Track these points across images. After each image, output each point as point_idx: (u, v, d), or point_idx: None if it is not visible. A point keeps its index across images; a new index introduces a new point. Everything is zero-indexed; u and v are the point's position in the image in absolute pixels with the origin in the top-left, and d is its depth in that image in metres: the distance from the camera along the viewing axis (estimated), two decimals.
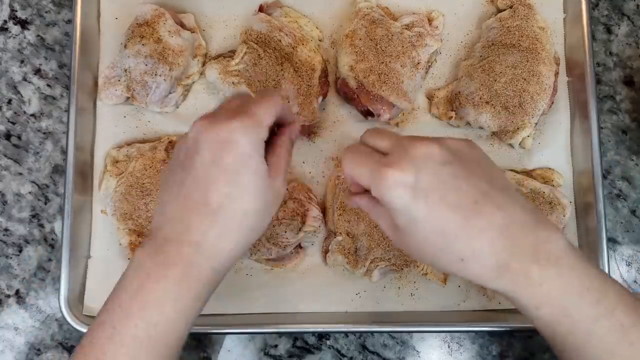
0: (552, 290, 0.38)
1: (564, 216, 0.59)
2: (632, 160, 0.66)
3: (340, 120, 0.64)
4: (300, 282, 0.61)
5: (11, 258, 0.64)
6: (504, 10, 0.63)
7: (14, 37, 0.67)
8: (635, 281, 0.64)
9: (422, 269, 0.60)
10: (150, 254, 0.41)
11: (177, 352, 0.41)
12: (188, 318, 0.41)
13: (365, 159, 0.41)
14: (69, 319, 0.57)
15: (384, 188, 0.38)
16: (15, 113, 0.66)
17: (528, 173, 0.62)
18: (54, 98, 0.66)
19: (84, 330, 0.57)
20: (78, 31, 0.61)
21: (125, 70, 0.60)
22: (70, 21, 0.66)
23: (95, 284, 0.60)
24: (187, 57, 0.61)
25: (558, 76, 0.62)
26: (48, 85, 0.66)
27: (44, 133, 0.65)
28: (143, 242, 0.42)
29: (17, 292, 0.63)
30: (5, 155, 0.65)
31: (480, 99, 0.59)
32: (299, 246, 0.61)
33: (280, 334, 0.63)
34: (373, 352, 0.63)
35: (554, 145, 0.63)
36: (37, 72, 0.66)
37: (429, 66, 0.64)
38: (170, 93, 0.62)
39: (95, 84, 0.63)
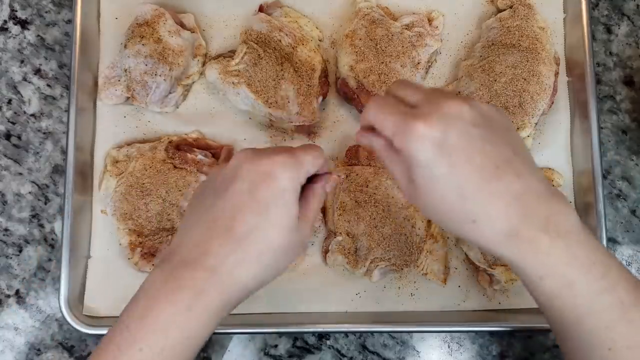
0: (558, 262, 0.38)
1: None
2: (632, 160, 0.66)
3: (340, 120, 0.64)
4: (300, 282, 0.61)
5: (11, 258, 0.64)
6: (504, 10, 0.63)
7: (14, 37, 0.67)
8: None
9: (422, 269, 0.60)
10: (163, 276, 0.40)
11: None
12: (194, 345, 0.40)
13: (392, 109, 0.40)
14: (69, 319, 0.57)
15: (409, 140, 0.38)
16: (15, 113, 0.66)
17: None
18: (54, 98, 0.66)
19: (84, 330, 0.57)
20: (78, 31, 0.61)
21: (125, 70, 0.60)
22: (70, 21, 0.66)
23: (95, 284, 0.60)
24: (187, 57, 0.61)
25: (558, 76, 0.62)
26: (48, 85, 0.66)
27: (44, 133, 0.65)
28: (159, 261, 0.42)
29: (17, 292, 0.63)
30: (5, 155, 0.65)
31: (480, 99, 0.59)
32: None
33: (280, 334, 0.63)
34: (373, 352, 0.63)
35: (554, 145, 0.63)
36: (37, 72, 0.66)
37: (429, 66, 0.64)
38: (170, 93, 0.62)
39: (95, 84, 0.63)
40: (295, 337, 0.63)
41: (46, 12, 0.67)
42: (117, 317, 0.41)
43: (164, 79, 0.60)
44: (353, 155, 0.61)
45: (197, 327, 0.40)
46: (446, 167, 0.37)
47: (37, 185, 0.65)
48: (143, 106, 0.62)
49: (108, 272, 0.60)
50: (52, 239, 0.64)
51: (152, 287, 0.40)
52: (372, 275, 0.58)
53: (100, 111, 0.63)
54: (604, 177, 0.63)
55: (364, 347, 0.63)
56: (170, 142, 0.61)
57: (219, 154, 0.62)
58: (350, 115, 0.64)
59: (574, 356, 0.41)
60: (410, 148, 0.38)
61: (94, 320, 0.59)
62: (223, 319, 0.41)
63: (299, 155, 0.42)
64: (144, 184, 0.59)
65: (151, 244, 0.59)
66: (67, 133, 0.60)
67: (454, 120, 0.38)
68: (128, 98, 0.62)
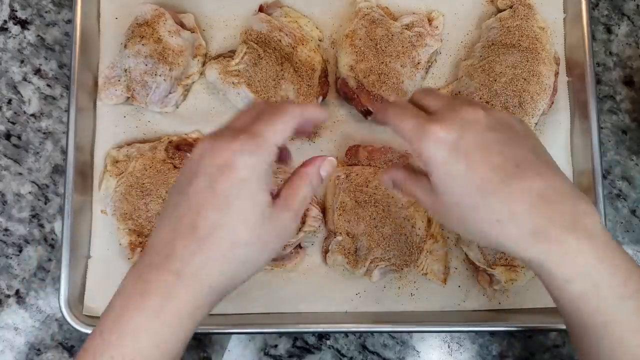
0: (586, 264, 0.37)
1: None
2: (632, 160, 0.66)
3: (340, 120, 0.64)
4: (300, 282, 0.61)
5: (11, 258, 0.64)
6: (504, 10, 0.63)
7: (14, 37, 0.67)
8: None
9: (422, 269, 0.60)
10: (133, 279, 0.39)
11: None
12: (170, 351, 0.38)
13: (411, 115, 0.41)
14: (69, 319, 0.57)
15: (426, 142, 0.38)
16: (15, 113, 0.66)
17: None
18: (54, 98, 0.66)
19: (84, 330, 0.57)
20: (78, 31, 0.61)
21: (125, 70, 0.60)
22: (70, 21, 0.66)
23: (95, 284, 0.60)
24: (187, 57, 0.61)
25: (558, 76, 0.62)
26: (48, 85, 0.66)
27: (44, 133, 0.65)
28: (133, 265, 0.40)
29: (17, 292, 0.63)
30: (5, 155, 0.65)
31: (480, 99, 0.59)
32: (299, 246, 0.61)
33: (280, 334, 0.63)
34: (373, 352, 0.63)
35: (554, 145, 0.63)
36: (37, 72, 0.66)
37: (429, 66, 0.64)
38: (170, 93, 0.62)
39: (95, 84, 0.63)
40: (295, 337, 0.63)
41: (46, 12, 0.67)
42: None
43: (164, 79, 0.60)
44: (353, 155, 0.61)
45: (168, 333, 0.38)
46: (464, 165, 0.38)
47: (37, 185, 0.65)
48: (143, 106, 0.62)
49: (108, 272, 0.60)
50: (52, 239, 0.64)
51: (123, 291, 0.39)
52: (372, 275, 0.58)
53: (100, 111, 0.63)
54: (604, 177, 0.63)
55: (364, 347, 0.63)
56: (170, 142, 0.61)
57: None
58: (350, 115, 0.64)
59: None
60: (427, 149, 0.39)
61: (94, 320, 0.59)
62: (200, 321, 0.39)
63: (260, 132, 0.39)
64: (144, 184, 0.59)
65: None
66: (67, 133, 0.60)
67: (469, 124, 0.39)
68: (128, 98, 0.62)
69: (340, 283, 0.61)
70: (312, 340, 0.63)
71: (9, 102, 0.66)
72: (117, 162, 0.61)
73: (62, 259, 0.58)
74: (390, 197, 0.59)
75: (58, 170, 0.65)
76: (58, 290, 0.58)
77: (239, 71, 0.60)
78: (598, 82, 0.66)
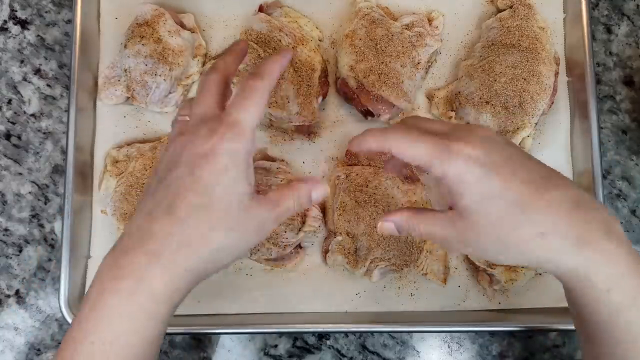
0: (624, 272, 0.36)
1: None
2: (632, 160, 0.66)
3: (340, 120, 0.64)
4: (300, 282, 0.61)
5: (11, 258, 0.64)
6: (504, 10, 0.63)
7: (14, 37, 0.67)
8: None
9: (422, 269, 0.60)
10: (108, 265, 0.38)
11: None
12: (146, 338, 0.37)
13: (424, 136, 0.38)
14: (69, 319, 0.57)
15: (453, 162, 0.37)
16: (15, 113, 0.66)
17: None
18: (54, 98, 0.66)
19: None
20: (78, 31, 0.61)
21: (125, 70, 0.60)
22: (70, 21, 0.66)
23: None
24: (187, 57, 0.61)
25: (558, 76, 0.62)
26: (48, 85, 0.66)
27: (44, 133, 0.65)
28: (109, 251, 0.40)
29: (17, 292, 0.63)
30: (5, 155, 0.65)
31: (480, 99, 0.59)
32: (299, 246, 0.61)
33: (280, 334, 0.63)
34: (373, 352, 0.63)
35: (554, 145, 0.63)
36: (37, 72, 0.66)
37: (429, 66, 0.64)
38: (170, 93, 0.62)
39: (95, 84, 0.63)
40: (295, 337, 0.63)
41: (46, 12, 0.67)
42: None
43: (164, 79, 0.60)
44: (353, 155, 0.61)
45: (144, 317, 0.37)
46: (498, 183, 0.36)
47: (37, 185, 0.65)
48: (143, 106, 0.62)
49: None
50: (52, 239, 0.64)
51: (99, 278, 0.38)
52: (372, 275, 0.58)
53: (100, 111, 0.63)
54: (604, 177, 0.63)
55: (364, 347, 0.63)
56: None
57: None
58: (350, 115, 0.64)
59: None
60: (456, 169, 0.37)
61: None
62: (178, 304, 0.39)
63: (237, 121, 0.39)
64: (144, 184, 0.59)
65: None
66: (67, 133, 0.60)
67: (489, 140, 0.38)
68: (128, 98, 0.62)
69: (340, 283, 0.61)
70: (312, 340, 0.63)
71: (9, 102, 0.66)
72: (117, 162, 0.61)
73: (62, 259, 0.58)
74: (390, 197, 0.59)
75: (58, 170, 0.65)
76: (58, 290, 0.58)
77: (239, 71, 0.60)
78: (598, 82, 0.66)
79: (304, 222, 0.59)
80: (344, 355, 0.63)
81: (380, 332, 0.62)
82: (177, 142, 0.40)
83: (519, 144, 0.61)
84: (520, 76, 0.59)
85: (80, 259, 0.60)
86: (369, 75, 0.59)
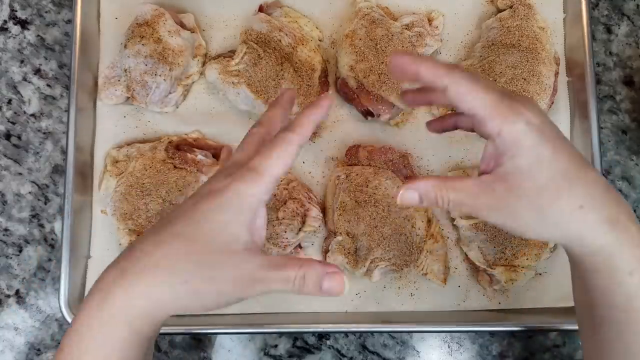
0: None
1: None
2: (632, 160, 0.66)
3: (340, 120, 0.64)
4: None
5: (11, 258, 0.64)
6: (504, 10, 0.63)
7: (14, 37, 0.67)
8: None
9: (422, 269, 0.60)
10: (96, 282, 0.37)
11: None
12: (107, 356, 0.35)
13: (488, 88, 0.38)
14: (69, 319, 0.57)
15: (515, 122, 0.37)
16: (15, 113, 0.66)
17: None
18: (54, 98, 0.66)
19: None
20: (78, 31, 0.61)
21: (125, 70, 0.60)
22: (70, 21, 0.66)
23: None
24: (187, 57, 0.61)
25: (558, 76, 0.62)
26: (48, 85, 0.66)
27: (44, 133, 0.65)
28: None
29: (17, 292, 0.63)
30: (5, 155, 0.65)
31: None
32: (299, 246, 0.61)
33: (280, 334, 0.63)
34: (373, 352, 0.63)
35: None
36: (37, 72, 0.66)
37: None
38: (170, 93, 0.62)
39: (95, 84, 0.63)
40: (295, 337, 0.63)
41: (46, 12, 0.67)
42: None
43: (164, 79, 0.60)
44: (353, 155, 0.61)
45: (105, 335, 0.35)
46: (551, 149, 0.37)
47: (37, 185, 0.65)
48: (143, 106, 0.62)
49: None
50: (52, 239, 0.64)
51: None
52: (372, 275, 0.58)
53: (100, 111, 0.63)
54: (604, 177, 0.63)
55: (364, 347, 0.63)
56: (170, 142, 0.61)
57: (219, 154, 0.62)
58: (350, 115, 0.64)
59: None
60: (516, 131, 0.37)
61: None
62: (142, 332, 0.35)
63: (257, 166, 0.37)
64: (144, 184, 0.59)
65: None
66: (67, 133, 0.60)
67: (544, 114, 0.39)
68: (128, 98, 0.62)
69: None
70: (312, 340, 0.63)
71: (9, 102, 0.66)
72: (117, 162, 0.61)
73: (62, 259, 0.58)
74: (390, 197, 0.59)
75: (58, 170, 0.65)
76: (58, 290, 0.58)
77: (239, 71, 0.60)
78: (598, 82, 0.66)
79: (304, 222, 0.59)
80: (344, 355, 0.63)
81: (380, 332, 0.62)
82: (206, 181, 0.40)
83: None
84: (520, 76, 0.59)
85: (80, 259, 0.60)
86: (369, 75, 0.59)
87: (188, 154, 0.60)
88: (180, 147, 0.61)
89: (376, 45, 0.60)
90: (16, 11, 0.67)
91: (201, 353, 0.63)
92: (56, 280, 0.63)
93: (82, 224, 0.61)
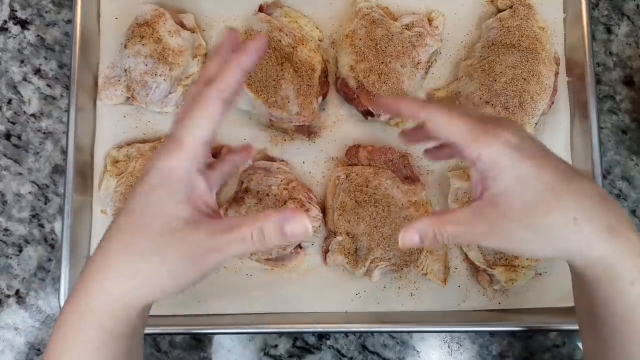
0: None
1: None
2: (632, 160, 0.66)
3: (340, 120, 0.64)
4: (300, 282, 0.61)
5: (11, 258, 0.64)
6: (504, 10, 0.63)
7: (14, 37, 0.67)
8: None
9: (422, 269, 0.60)
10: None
11: None
12: (77, 348, 0.36)
13: (464, 116, 0.39)
14: None
15: (492, 144, 0.37)
16: (15, 113, 0.66)
17: None
18: (54, 98, 0.66)
19: None
20: (78, 31, 0.61)
21: (125, 70, 0.60)
22: (70, 21, 0.66)
23: None
24: (187, 57, 0.61)
25: (558, 76, 0.62)
26: (48, 85, 0.66)
27: (44, 133, 0.65)
28: None
29: (17, 292, 0.63)
30: (5, 155, 0.65)
31: (480, 99, 0.59)
32: (299, 246, 0.61)
33: (280, 334, 0.63)
34: (373, 352, 0.63)
35: (554, 145, 0.63)
36: (37, 72, 0.66)
37: (429, 66, 0.64)
38: (170, 93, 0.62)
39: (95, 84, 0.63)
40: (295, 337, 0.63)
41: (46, 12, 0.67)
42: None
43: (164, 79, 0.60)
44: (353, 155, 0.61)
45: (77, 339, 0.36)
46: (533, 166, 0.37)
47: (37, 185, 0.65)
48: (143, 106, 0.62)
49: None
50: (52, 239, 0.64)
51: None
52: (372, 275, 0.58)
53: (100, 111, 0.63)
54: (604, 177, 0.63)
55: (364, 347, 0.63)
56: None
57: (218, 154, 0.62)
58: (350, 115, 0.64)
59: None
60: (493, 153, 0.37)
61: None
62: (116, 326, 0.36)
63: (177, 136, 0.36)
64: None
65: None
66: (67, 133, 0.60)
67: (522, 131, 0.39)
68: (128, 98, 0.62)
69: (340, 283, 0.61)
70: (312, 340, 0.63)
71: (9, 102, 0.66)
72: (117, 162, 0.61)
73: (62, 259, 0.58)
74: (390, 197, 0.59)
75: (58, 170, 0.65)
76: (58, 290, 0.58)
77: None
78: (598, 82, 0.66)
79: None
80: (344, 355, 0.63)
81: (380, 332, 0.62)
82: None
83: None
84: (520, 76, 0.59)
85: (80, 259, 0.60)
86: (369, 75, 0.59)
87: None
88: None
89: (376, 45, 0.60)
90: (16, 11, 0.67)
91: (201, 353, 0.63)
92: (56, 280, 0.63)
93: (82, 224, 0.61)
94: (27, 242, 0.64)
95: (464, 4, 0.65)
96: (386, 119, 0.61)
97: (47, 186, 0.65)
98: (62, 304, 0.57)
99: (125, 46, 0.60)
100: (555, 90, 0.61)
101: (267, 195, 0.59)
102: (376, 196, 0.59)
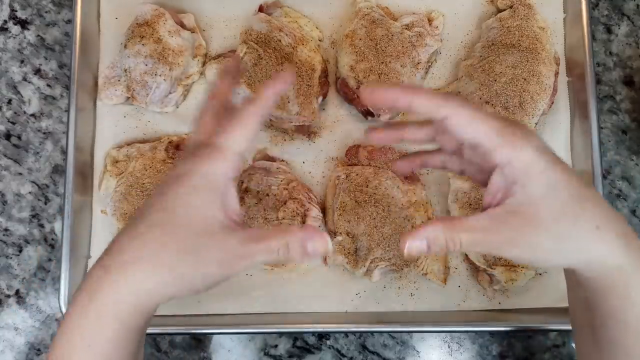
0: None
1: None
2: (632, 160, 0.66)
3: (340, 120, 0.64)
4: (300, 282, 0.61)
5: (11, 258, 0.64)
6: (504, 10, 0.63)
7: (14, 37, 0.67)
8: None
9: (422, 269, 0.60)
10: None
11: None
12: (100, 354, 0.35)
13: (491, 116, 0.36)
14: None
15: (523, 151, 0.35)
16: (15, 113, 0.66)
17: None
18: (54, 98, 0.66)
19: None
20: (78, 31, 0.61)
21: (125, 70, 0.60)
22: (70, 21, 0.66)
23: None
24: (187, 57, 0.61)
25: (558, 76, 0.62)
26: (48, 85, 0.66)
27: (44, 133, 0.65)
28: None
29: (17, 292, 0.63)
30: (5, 155, 0.65)
31: (480, 99, 0.59)
32: None
33: (280, 334, 0.63)
34: (373, 352, 0.63)
35: (554, 145, 0.62)
36: (37, 72, 0.66)
37: (429, 66, 0.64)
38: (170, 93, 0.62)
39: (95, 84, 0.63)
40: (295, 337, 0.63)
41: (46, 12, 0.67)
42: None
43: (164, 79, 0.60)
44: (353, 155, 0.61)
45: (94, 331, 0.35)
46: (561, 175, 0.36)
47: (37, 185, 0.65)
48: (143, 106, 0.62)
49: None
50: (52, 239, 0.64)
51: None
52: (372, 275, 0.58)
53: (100, 111, 0.63)
54: (604, 177, 0.63)
55: (364, 347, 0.63)
56: (170, 142, 0.61)
57: None
58: (350, 115, 0.64)
59: None
60: (525, 159, 0.35)
61: None
62: (130, 324, 0.35)
63: (220, 144, 0.37)
64: (144, 184, 0.59)
65: None
66: (67, 133, 0.60)
67: (542, 138, 0.38)
68: (128, 98, 0.62)
69: (340, 283, 0.61)
70: (312, 340, 0.63)
71: (9, 102, 0.66)
72: (117, 162, 0.61)
73: (62, 259, 0.58)
74: (390, 197, 0.59)
75: (58, 170, 0.65)
76: (58, 290, 0.58)
77: (246, 70, 0.60)
78: (598, 82, 0.66)
79: (304, 222, 0.59)
80: (344, 355, 0.63)
81: (380, 332, 0.62)
82: (173, 167, 0.40)
83: None
84: (520, 76, 0.59)
85: (80, 259, 0.60)
86: (369, 75, 0.59)
87: None
88: (180, 147, 0.61)
89: (376, 45, 0.60)
90: (16, 11, 0.67)
91: (201, 353, 0.63)
92: (56, 280, 0.63)
93: (82, 224, 0.61)
94: (27, 242, 0.64)
95: (464, 4, 0.65)
96: (386, 119, 0.61)
97: (47, 186, 0.65)
98: (62, 304, 0.57)
99: (125, 46, 0.60)
100: (555, 90, 0.61)
101: (267, 195, 0.59)
102: (376, 196, 0.59)
